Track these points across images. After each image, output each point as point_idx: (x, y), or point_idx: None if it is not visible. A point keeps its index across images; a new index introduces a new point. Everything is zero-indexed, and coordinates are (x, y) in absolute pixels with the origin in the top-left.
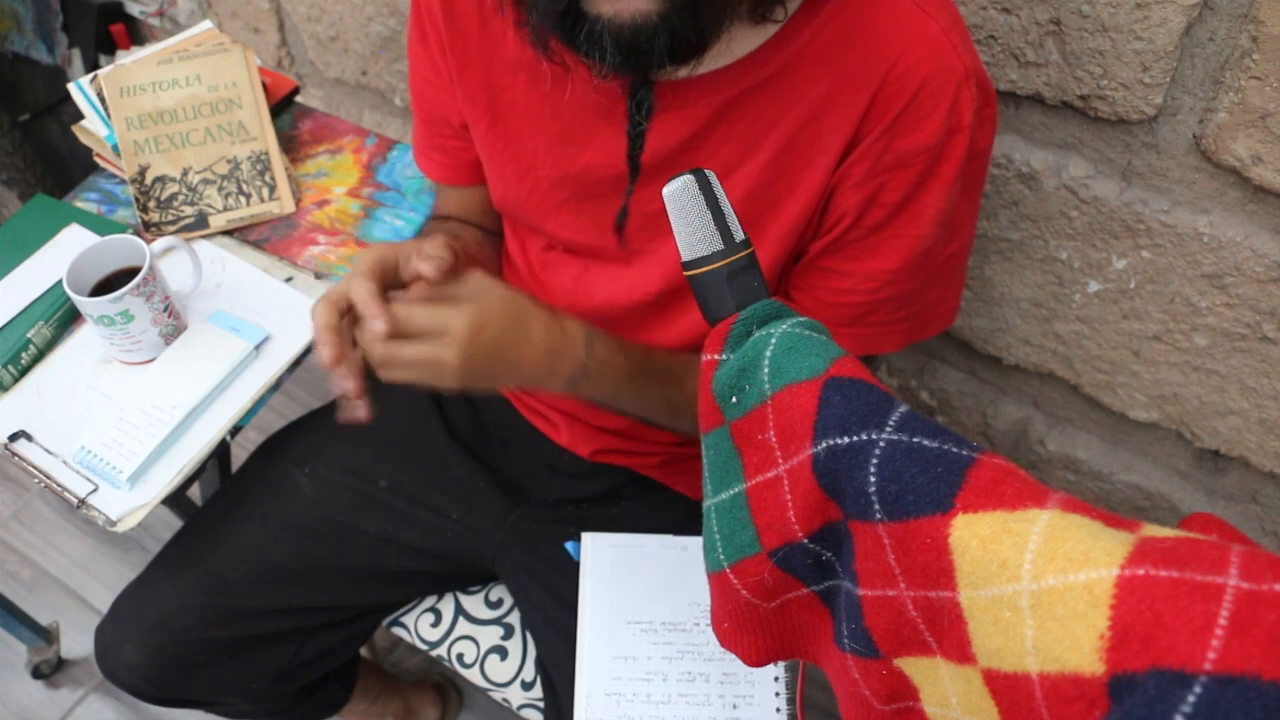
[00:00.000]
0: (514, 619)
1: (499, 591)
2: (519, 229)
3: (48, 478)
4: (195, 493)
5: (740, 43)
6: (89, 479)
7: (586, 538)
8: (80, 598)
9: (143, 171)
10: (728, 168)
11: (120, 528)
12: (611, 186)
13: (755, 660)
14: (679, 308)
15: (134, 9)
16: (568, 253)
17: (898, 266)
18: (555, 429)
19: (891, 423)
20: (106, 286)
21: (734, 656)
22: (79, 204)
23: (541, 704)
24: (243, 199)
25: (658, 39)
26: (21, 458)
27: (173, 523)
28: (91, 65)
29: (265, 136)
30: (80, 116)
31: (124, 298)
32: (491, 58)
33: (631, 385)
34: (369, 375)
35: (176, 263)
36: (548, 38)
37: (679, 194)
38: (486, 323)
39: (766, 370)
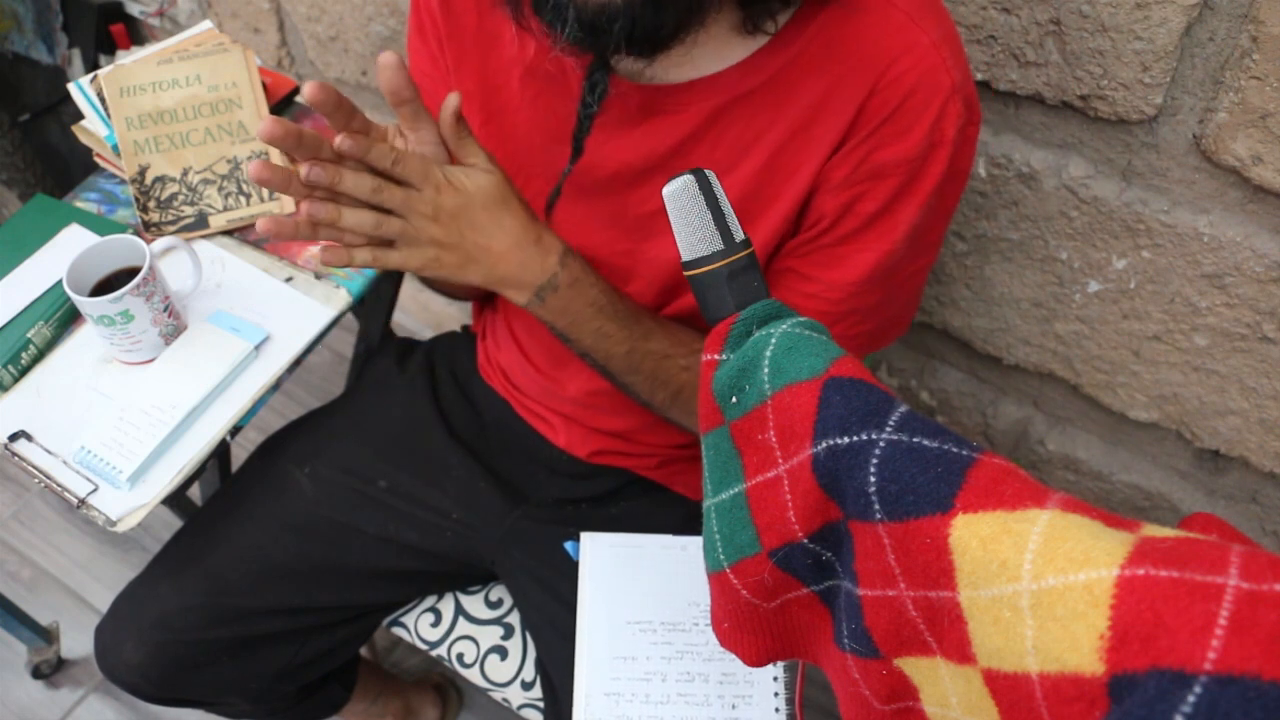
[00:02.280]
0: (514, 619)
1: (499, 591)
2: None
3: (48, 478)
4: (195, 493)
5: (733, 50)
6: (89, 479)
7: (586, 538)
8: (80, 598)
9: (143, 171)
10: (718, 173)
11: (120, 528)
12: (605, 187)
13: (755, 660)
14: (675, 308)
15: (134, 9)
16: None
17: (861, 279)
18: (553, 430)
19: (891, 423)
20: (106, 286)
21: (733, 656)
22: (79, 204)
23: (541, 704)
24: (243, 199)
25: (617, 21)
26: (21, 458)
27: (173, 523)
28: (91, 65)
29: None
30: (80, 116)
31: (124, 298)
32: (487, 54)
33: (597, 319)
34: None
35: (176, 263)
36: (520, 1)
37: (679, 194)
38: (466, 186)
39: (766, 370)
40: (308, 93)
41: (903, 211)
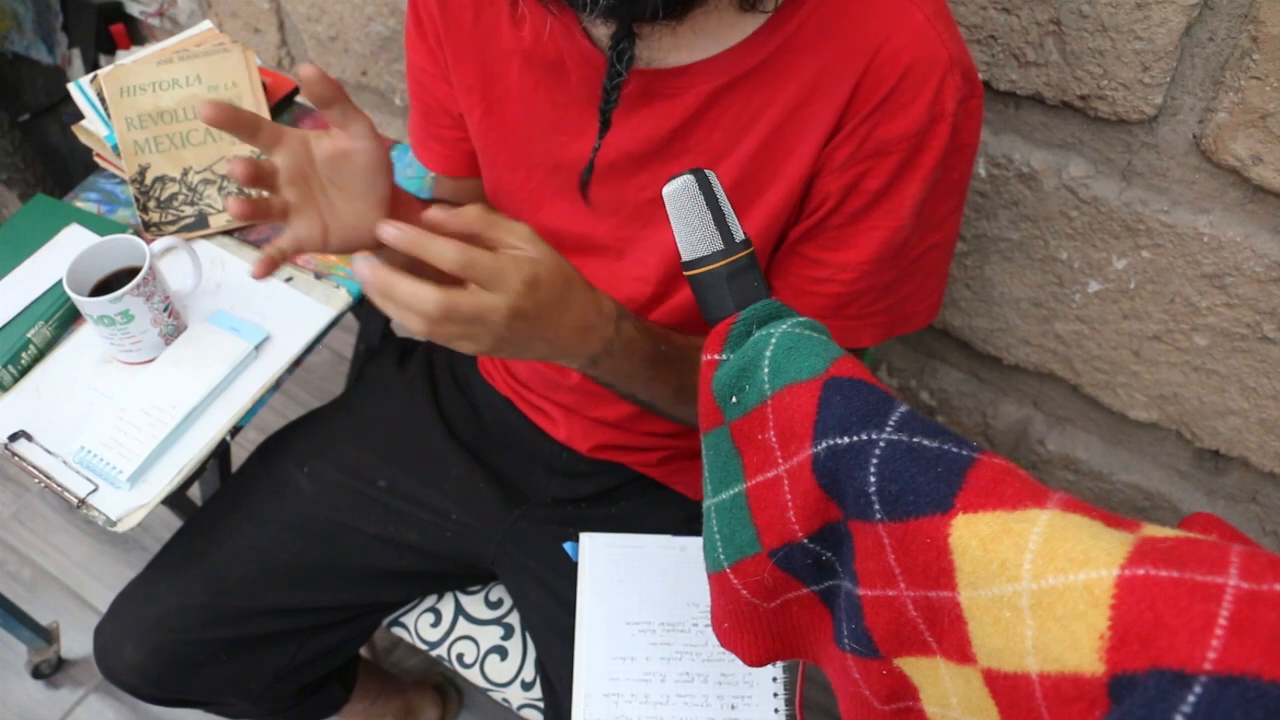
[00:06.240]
0: (514, 619)
1: (499, 591)
2: None
3: (48, 478)
4: (195, 493)
5: (729, 31)
6: (89, 479)
7: (585, 538)
8: (80, 598)
9: (143, 171)
10: (716, 156)
11: (120, 528)
12: (604, 174)
13: (755, 660)
14: (676, 297)
15: (134, 9)
16: (560, 247)
17: (871, 257)
18: (554, 424)
19: (891, 423)
20: (106, 286)
21: (733, 657)
22: (79, 204)
23: (541, 704)
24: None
25: None
26: (21, 458)
27: (173, 523)
28: (91, 65)
29: None
30: (80, 116)
31: (124, 298)
32: (485, 46)
33: (648, 370)
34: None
35: (176, 263)
36: None
37: (679, 194)
38: (541, 282)
39: (766, 370)
40: (304, 72)
41: (907, 187)
